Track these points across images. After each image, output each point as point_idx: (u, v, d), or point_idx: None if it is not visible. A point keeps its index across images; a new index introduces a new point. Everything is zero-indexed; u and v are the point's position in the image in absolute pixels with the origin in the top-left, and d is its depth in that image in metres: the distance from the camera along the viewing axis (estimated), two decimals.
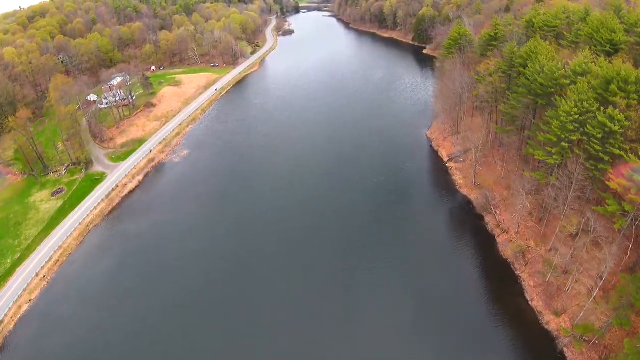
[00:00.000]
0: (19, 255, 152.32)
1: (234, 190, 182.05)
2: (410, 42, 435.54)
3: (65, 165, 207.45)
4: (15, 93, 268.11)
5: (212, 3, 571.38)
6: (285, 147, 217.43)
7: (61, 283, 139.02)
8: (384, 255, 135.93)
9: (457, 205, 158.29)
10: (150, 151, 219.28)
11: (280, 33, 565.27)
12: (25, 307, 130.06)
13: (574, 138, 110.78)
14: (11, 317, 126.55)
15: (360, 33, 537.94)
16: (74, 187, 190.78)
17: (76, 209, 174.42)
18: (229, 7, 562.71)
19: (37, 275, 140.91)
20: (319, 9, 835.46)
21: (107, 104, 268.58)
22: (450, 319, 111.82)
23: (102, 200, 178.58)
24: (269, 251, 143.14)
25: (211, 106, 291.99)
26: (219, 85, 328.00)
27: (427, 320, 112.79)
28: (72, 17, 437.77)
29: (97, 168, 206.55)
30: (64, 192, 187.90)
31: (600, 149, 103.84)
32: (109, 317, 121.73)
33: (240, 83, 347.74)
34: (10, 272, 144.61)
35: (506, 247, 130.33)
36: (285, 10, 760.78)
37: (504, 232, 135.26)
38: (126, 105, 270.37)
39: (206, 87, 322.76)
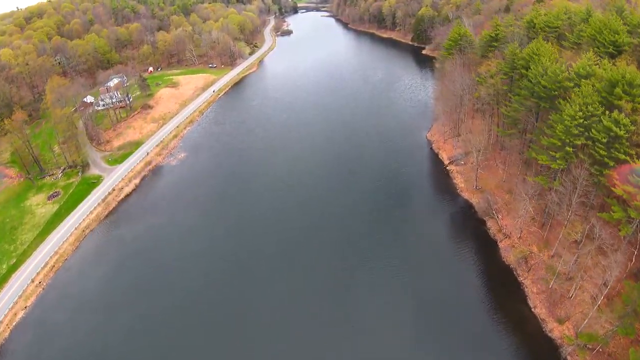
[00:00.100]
0: (14, 260, 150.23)
1: (232, 192, 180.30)
2: (409, 43, 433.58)
3: (62, 168, 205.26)
4: (11, 95, 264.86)
5: (210, 3, 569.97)
6: (283, 149, 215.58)
7: (57, 289, 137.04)
8: (384, 259, 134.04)
9: (458, 210, 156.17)
10: (147, 154, 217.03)
11: (279, 33, 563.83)
12: (20, 314, 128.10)
13: (579, 142, 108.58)
14: (7, 325, 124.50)
15: (358, 33, 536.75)
16: (70, 191, 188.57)
17: (72, 213, 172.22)
18: (227, 7, 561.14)
19: (32, 281, 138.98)
20: (318, 9, 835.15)
21: (104, 105, 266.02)
22: (451, 325, 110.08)
23: (99, 204, 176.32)
24: (269, 252, 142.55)
25: (209, 108, 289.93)
26: (216, 87, 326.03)
27: (427, 326, 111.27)
28: (70, 18, 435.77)
29: (93, 171, 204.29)
30: (60, 196, 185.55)
31: (606, 153, 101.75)
32: (105, 323, 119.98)
33: (238, 84, 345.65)
34: (5, 278, 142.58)
35: (508, 253, 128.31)
36: (283, 10, 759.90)
37: (506, 237, 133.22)
38: (123, 107, 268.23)
39: (204, 89, 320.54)
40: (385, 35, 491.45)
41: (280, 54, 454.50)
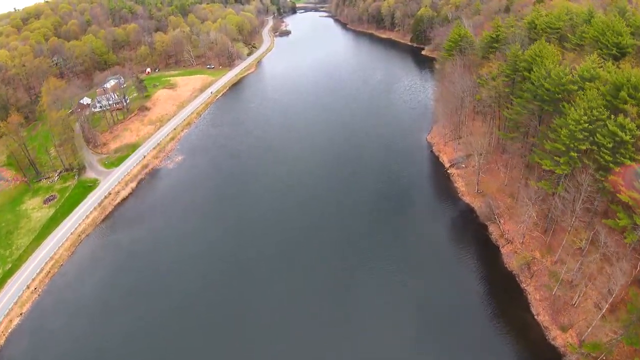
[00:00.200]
0: (10, 266, 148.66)
1: (230, 194, 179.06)
2: (409, 43, 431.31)
3: (58, 171, 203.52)
4: (8, 97, 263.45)
5: (208, 4, 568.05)
6: (282, 150, 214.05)
7: (53, 295, 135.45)
8: (384, 263, 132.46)
9: (460, 214, 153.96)
10: (144, 157, 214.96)
11: (277, 34, 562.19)
12: (16, 321, 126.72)
13: (583, 147, 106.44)
14: (2, 332, 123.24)
15: (357, 34, 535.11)
16: (66, 195, 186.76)
17: (68, 218, 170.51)
18: (225, 7, 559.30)
19: (28, 287, 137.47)
20: (316, 10, 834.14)
21: (100, 107, 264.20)
22: (452, 331, 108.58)
23: (95, 208, 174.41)
24: (268, 252, 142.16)
25: (207, 109, 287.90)
26: (214, 88, 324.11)
27: (428, 332, 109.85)
28: (67, 19, 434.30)
29: (89, 174, 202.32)
30: (56, 200, 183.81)
31: (611, 159, 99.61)
32: (102, 329, 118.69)
33: (236, 85, 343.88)
34: (0, 284, 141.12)
35: (511, 259, 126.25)
36: (282, 10, 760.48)
37: (508, 243, 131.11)
38: (120, 109, 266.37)
39: (202, 90, 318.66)
40: (384, 36, 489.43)
41: (278, 54, 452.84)
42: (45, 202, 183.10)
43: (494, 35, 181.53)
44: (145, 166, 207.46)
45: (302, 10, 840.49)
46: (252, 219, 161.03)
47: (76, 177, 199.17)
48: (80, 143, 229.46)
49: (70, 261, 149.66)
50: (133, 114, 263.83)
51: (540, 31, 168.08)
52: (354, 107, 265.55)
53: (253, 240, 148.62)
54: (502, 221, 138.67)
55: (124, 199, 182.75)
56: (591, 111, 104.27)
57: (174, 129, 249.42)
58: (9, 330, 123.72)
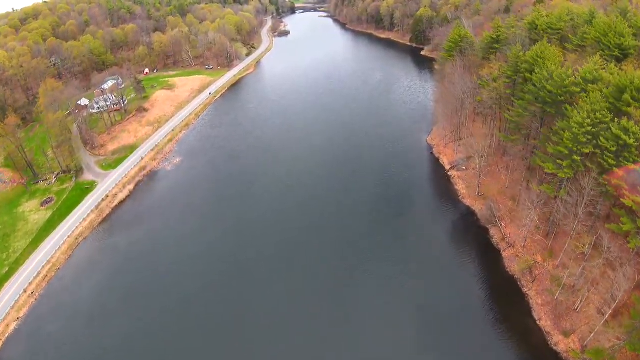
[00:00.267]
0: (7, 269, 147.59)
1: (229, 196, 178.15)
2: (408, 43, 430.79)
3: (55, 173, 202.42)
4: (5, 98, 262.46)
5: (206, 4, 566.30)
6: (281, 152, 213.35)
7: (50, 300, 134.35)
8: (383, 267, 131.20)
9: (460, 217, 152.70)
10: (142, 158, 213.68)
11: (276, 34, 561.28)
12: (13, 326, 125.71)
13: (587, 151, 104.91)
14: None
15: (356, 34, 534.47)
16: (64, 197, 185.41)
17: (65, 221, 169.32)
18: (224, 8, 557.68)
19: (25, 291, 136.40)
20: (315, 10, 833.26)
21: (98, 108, 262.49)
22: (453, 337, 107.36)
23: (92, 211, 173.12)
24: (268, 253, 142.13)
25: (205, 110, 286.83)
26: (213, 89, 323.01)
27: (428, 337, 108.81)
28: (65, 19, 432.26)
29: (87, 176, 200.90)
30: (53, 202, 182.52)
31: (614, 162, 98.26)
32: (100, 334, 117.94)
33: (235, 86, 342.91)
34: None
35: (512, 263, 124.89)
36: (280, 10, 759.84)
37: (509, 247, 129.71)
38: (118, 110, 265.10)
39: (200, 91, 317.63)
40: (383, 36, 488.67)
41: (277, 55, 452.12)
42: (42, 204, 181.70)
43: (494, 36, 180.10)
44: (143, 168, 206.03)
45: (301, 11, 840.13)
46: (251, 219, 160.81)
47: (73, 179, 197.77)
48: (77, 144, 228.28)
49: (68, 265, 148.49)
50: (131, 115, 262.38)
51: (541, 32, 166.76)
52: (354, 108, 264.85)
53: (252, 241, 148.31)
54: (503, 224, 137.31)
55: (121, 202, 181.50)
56: (594, 114, 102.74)
57: (172, 130, 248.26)
58: (6, 335, 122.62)
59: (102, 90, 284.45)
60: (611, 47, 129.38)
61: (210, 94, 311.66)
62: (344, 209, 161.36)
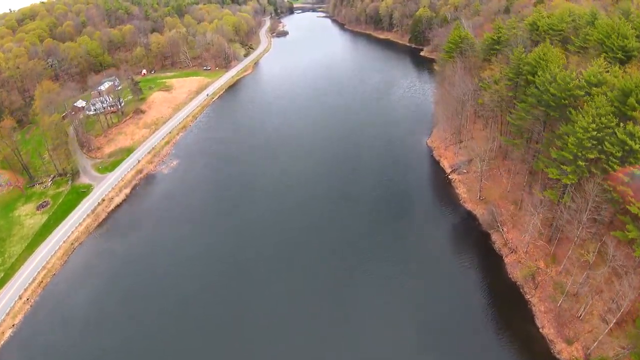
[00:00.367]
0: (1, 275, 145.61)
1: (227, 198, 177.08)
2: (407, 44, 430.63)
3: (51, 176, 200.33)
4: (2, 99, 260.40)
5: (204, 4, 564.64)
6: (279, 155, 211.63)
7: (46, 306, 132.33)
8: (383, 270, 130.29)
9: (461, 221, 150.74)
10: (139, 161, 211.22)
11: (275, 34, 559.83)
12: (8, 333, 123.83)
13: (592, 156, 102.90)
14: None
15: (355, 34, 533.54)
16: (60, 201, 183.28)
17: (61, 225, 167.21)
18: (222, 8, 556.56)
19: (20, 298, 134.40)
20: (314, 10, 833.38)
21: (95, 110, 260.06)
22: (454, 344, 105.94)
23: (88, 215, 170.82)
24: (267, 253, 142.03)
25: (203, 112, 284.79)
26: (210, 90, 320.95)
27: (428, 344, 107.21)
28: (62, 20, 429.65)
29: (83, 179, 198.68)
30: (49, 206, 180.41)
31: (620, 168, 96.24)
32: (97, 340, 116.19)
33: (233, 87, 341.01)
34: None
35: (515, 269, 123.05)
36: (279, 11, 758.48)
37: (512, 252, 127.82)
38: (114, 112, 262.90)
39: (198, 92, 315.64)
40: (382, 37, 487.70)
41: (276, 55, 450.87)
42: (38, 208, 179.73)
43: (495, 37, 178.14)
44: (140, 171, 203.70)
45: (300, 11, 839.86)
46: (250, 219, 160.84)
47: (70, 183, 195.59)
48: (74, 147, 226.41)
49: (64, 270, 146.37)
50: (128, 117, 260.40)
51: (543, 33, 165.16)
52: (353, 109, 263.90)
53: (252, 241, 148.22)
54: (505, 229, 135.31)
55: (117, 206, 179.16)
56: (600, 118, 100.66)
57: (170, 132, 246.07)
58: (1, 343, 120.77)
59: (98, 92, 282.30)
60: (614, 49, 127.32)
61: (207, 95, 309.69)
62: (343, 209, 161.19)
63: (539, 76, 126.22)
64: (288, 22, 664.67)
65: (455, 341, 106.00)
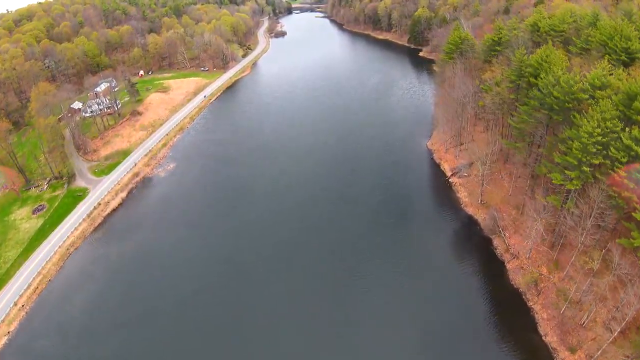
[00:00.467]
0: None
1: (226, 200, 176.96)
2: (406, 44, 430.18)
3: (47, 179, 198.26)
4: None
5: (202, 4, 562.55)
6: (278, 156, 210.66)
7: (41, 313, 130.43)
8: (383, 276, 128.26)
9: (462, 226, 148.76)
10: (135, 164, 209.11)
11: (273, 35, 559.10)
12: (3, 340, 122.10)
13: (596, 162, 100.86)
14: None
15: (354, 34, 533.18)
16: (55, 204, 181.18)
17: (56, 230, 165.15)
18: (220, 8, 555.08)
19: (15, 304, 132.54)
20: (312, 10, 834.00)
21: (91, 112, 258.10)
22: (455, 352, 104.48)
23: (84, 219, 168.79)
24: (266, 254, 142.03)
25: (200, 113, 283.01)
26: (208, 91, 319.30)
27: (429, 353, 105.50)
28: (60, 20, 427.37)
29: (79, 183, 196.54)
30: (44, 210, 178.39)
31: (625, 175, 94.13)
32: (92, 349, 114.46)
33: (231, 88, 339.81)
34: None
35: (517, 275, 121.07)
36: (277, 11, 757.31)
37: (514, 258, 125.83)
38: (111, 114, 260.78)
39: (195, 93, 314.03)
40: (380, 37, 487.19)
41: (274, 56, 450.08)
42: (33, 212, 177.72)
43: (495, 38, 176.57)
44: (136, 174, 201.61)
45: (298, 11, 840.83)
46: (249, 220, 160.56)
47: (65, 186, 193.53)
48: (70, 150, 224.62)
49: (59, 276, 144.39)
50: (124, 119, 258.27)
51: (544, 34, 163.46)
52: (351, 110, 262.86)
53: (251, 242, 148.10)
54: (507, 234, 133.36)
55: (114, 210, 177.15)
56: (605, 123, 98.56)
57: (167, 134, 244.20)
58: None
59: (95, 93, 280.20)
60: (618, 50, 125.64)
61: (205, 96, 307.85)
62: (342, 210, 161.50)
63: (541, 78, 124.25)
64: (286, 23, 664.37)
65: (456, 349, 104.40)
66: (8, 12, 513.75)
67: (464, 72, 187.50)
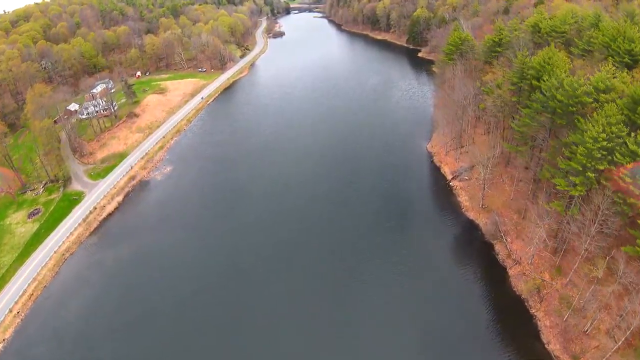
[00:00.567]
0: None
1: (224, 202, 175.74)
2: (405, 45, 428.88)
3: (43, 182, 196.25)
4: None
5: (200, 5, 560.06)
6: (276, 157, 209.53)
7: (36, 320, 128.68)
8: (381, 285, 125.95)
9: (463, 231, 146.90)
10: (132, 167, 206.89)
11: (271, 35, 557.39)
12: None
13: (601, 167, 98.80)
14: None
15: (352, 35, 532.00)
16: (51, 208, 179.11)
17: (52, 234, 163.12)
18: (218, 9, 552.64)
19: (10, 311, 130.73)
20: (310, 10, 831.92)
21: (87, 114, 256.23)
22: (456, 357, 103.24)
23: (80, 224, 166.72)
24: (265, 254, 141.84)
25: (198, 115, 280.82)
26: (205, 93, 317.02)
27: (429, 354, 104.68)
28: (56, 21, 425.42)
29: (75, 186, 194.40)
30: (40, 214, 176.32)
31: (631, 181, 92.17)
32: (88, 354, 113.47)
33: (228, 89, 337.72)
34: None
35: (519, 281, 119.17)
36: (275, 11, 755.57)
37: (516, 264, 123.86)
38: (107, 116, 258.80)
39: (192, 95, 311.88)
40: (379, 37, 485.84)
41: (272, 56, 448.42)
42: (29, 216, 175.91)
43: (496, 39, 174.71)
44: (133, 178, 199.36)
45: (296, 11, 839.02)
46: (248, 221, 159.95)
47: (61, 189, 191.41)
48: (66, 152, 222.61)
49: (55, 282, 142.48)
50: (121, 121, 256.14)
51: (545, 35, 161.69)
52: (350, 112, 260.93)
53: (250, 243, 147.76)
54: (508, 239, 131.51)
55: (110, 214, 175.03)
56: (610, 128, 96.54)
57: (163, 137, 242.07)
58: None
59: (92, 95, 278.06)
60: (621, 52, 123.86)
61: (202, 98, 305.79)
62: (342, 211, 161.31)
63: (544, 81, 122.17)
64: (285, 23, 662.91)
65: (456, 352, 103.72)
66: (5, 12, 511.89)
67: (464, 73, 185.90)
